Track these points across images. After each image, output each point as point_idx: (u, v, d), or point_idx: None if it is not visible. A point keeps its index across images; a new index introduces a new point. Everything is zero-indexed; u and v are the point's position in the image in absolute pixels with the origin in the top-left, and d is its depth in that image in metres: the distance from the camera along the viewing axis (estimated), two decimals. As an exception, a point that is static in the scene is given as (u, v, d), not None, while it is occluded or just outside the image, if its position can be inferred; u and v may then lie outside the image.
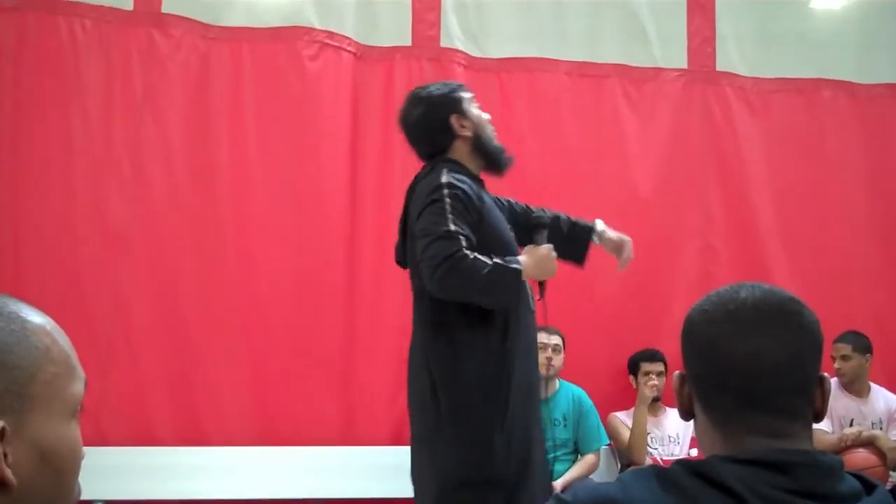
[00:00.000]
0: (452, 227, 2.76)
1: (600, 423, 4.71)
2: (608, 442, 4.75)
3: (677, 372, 1.36)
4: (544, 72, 5.16)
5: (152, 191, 4.58)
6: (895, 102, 5.49)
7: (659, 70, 5.30)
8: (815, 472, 1.18)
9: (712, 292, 1.33)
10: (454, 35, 5.08)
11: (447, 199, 2.82)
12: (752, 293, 1.28)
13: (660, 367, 4.76)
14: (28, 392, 0.96)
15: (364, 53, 4.98)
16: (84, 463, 1.05)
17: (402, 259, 3.12)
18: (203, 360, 4.51)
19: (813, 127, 5.41)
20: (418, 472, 3.01)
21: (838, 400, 4.67)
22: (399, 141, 4.86)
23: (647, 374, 4.74)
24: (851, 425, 4.62)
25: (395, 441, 4.64)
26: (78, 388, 1.04)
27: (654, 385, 4.67)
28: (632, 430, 4.67)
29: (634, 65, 5.28)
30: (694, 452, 4.56)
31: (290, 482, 4.46)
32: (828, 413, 4.67)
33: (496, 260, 2.77)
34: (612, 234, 3.43)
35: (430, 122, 3.08)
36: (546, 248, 2.97)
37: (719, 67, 5.37)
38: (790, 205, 5.27)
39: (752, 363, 1.24)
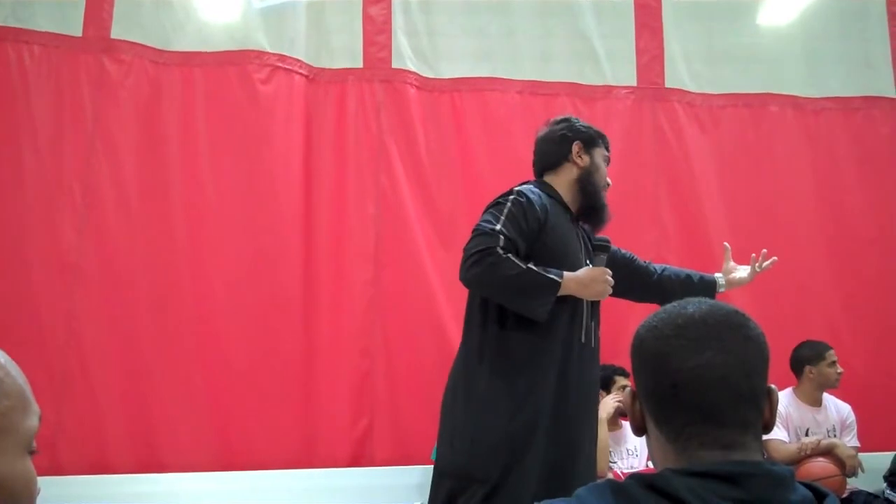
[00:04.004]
0: (498, 227, 2.82)
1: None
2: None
3: (628, 388, 1.38)
4: (496, 91, 5.20)
5: (105, 217, 4.54)
6: (841, 115, 5.58)
7: (609, 88, 5.36)
8: (767, 483, 1.19)
9: (660, 309, 1.35)
10: (406, 56, 5.11)
11: (508, 204, 2.90)
12: (699, 308, 1.30)
13: (627, 381, 4.79)
14: (-19, 426, 0.96)
15: (316, 76, 4.99)
16: (40, 494, 1.05)
17: None
18: (159, 387, 4.45)
19: (761, 141, 5.48)
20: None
21: (794, 410, 4.72)
22: (353, 162, 4.92)
23: (623, 387, 4.77)
24: (808, 434, 4.66)
25: (356, 463, 4.62)
26: (32, 422, 1.03)
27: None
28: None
29: (585, 83, 5.34)
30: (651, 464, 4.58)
31: (250, 507, 4.41)
32: (785, 423, 4.70)
33: (531, 266, 2.80)
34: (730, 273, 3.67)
35: (555, 136, 3.19)
36: (599, 269, 2.94)
37: (668, 84, 5.44)
38: (742, 218, 5.31)
39: (702, 376, 1.25)
